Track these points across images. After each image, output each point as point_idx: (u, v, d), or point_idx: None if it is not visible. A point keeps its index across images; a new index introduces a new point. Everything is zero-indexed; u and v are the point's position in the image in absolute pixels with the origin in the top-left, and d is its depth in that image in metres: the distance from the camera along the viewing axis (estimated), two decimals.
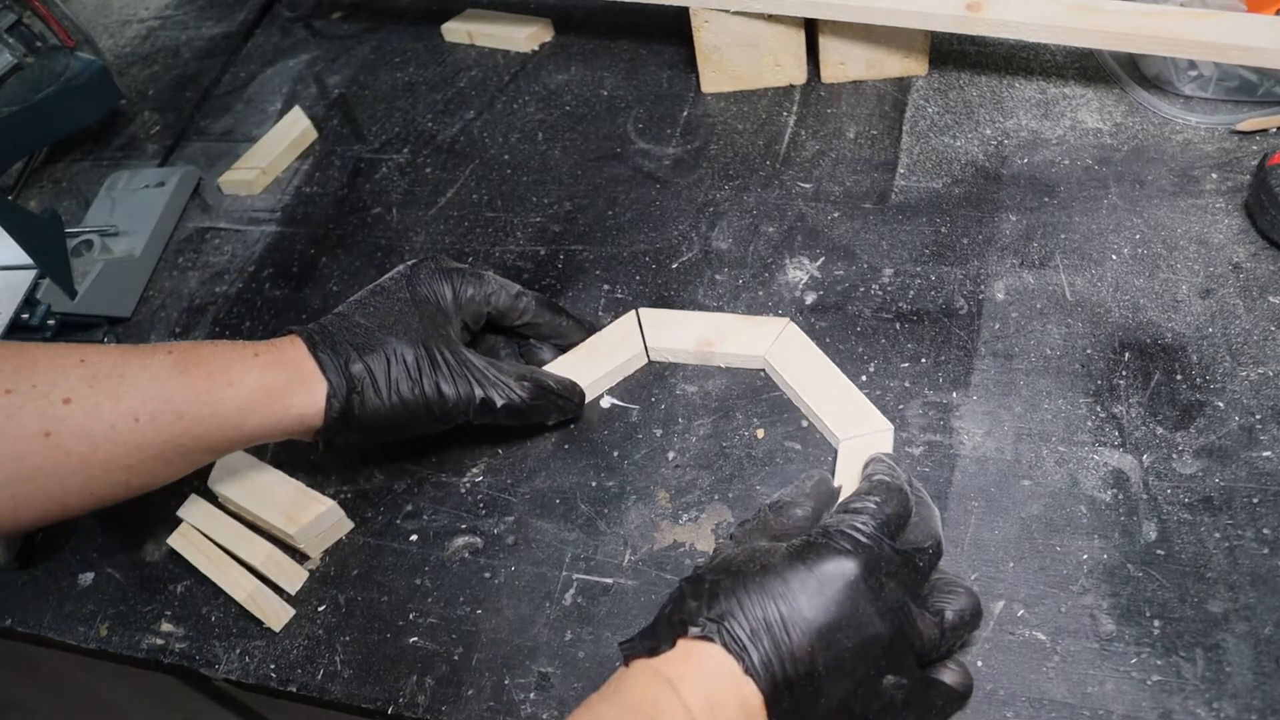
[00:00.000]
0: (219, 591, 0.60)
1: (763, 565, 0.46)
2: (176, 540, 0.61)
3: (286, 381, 0.56)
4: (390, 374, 0.57)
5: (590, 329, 0.66)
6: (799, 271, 0.69)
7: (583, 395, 0.63)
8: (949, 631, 0.47)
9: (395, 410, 0.57)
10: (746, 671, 0.43)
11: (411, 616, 0.57)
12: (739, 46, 0.79)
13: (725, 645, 0.43)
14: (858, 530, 0.46)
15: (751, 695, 0.43)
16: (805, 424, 0.61)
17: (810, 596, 0.44)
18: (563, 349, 0.66)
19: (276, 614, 0.58)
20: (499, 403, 0.59)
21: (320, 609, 0.59)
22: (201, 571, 0.60)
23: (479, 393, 0.58)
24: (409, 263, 0.63)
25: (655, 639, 0.45)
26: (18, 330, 0.69)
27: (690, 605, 0.45)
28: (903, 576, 0.46)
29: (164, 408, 0.52)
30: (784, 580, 0.45)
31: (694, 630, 0.44)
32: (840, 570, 0.45)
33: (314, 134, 0.89)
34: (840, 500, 0.51)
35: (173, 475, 0.55)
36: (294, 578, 0.60)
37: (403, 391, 0.57)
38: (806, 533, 0.47)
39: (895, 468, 0.52)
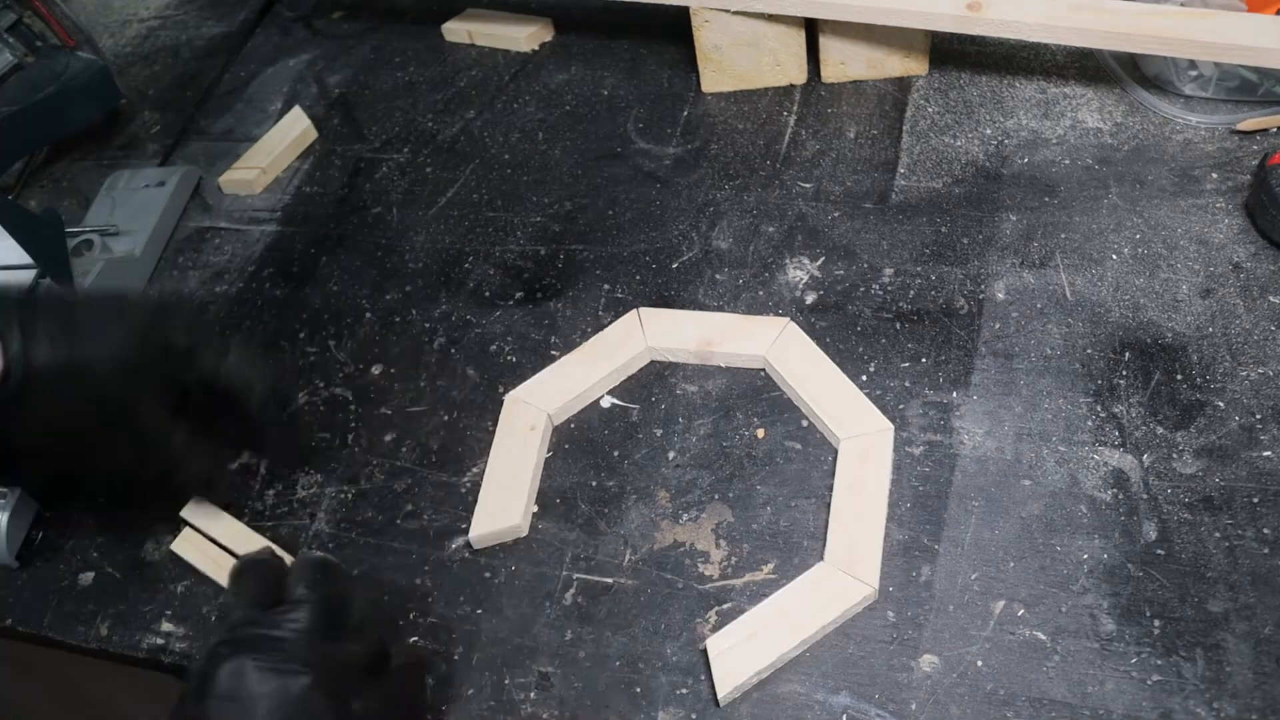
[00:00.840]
0: (220, 591, 0.60)
1: None
2: (180, 545, 0.61)
3: None
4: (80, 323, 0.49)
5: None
6: (799, 271, 0.69)
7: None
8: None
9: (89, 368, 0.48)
10: None
11: (412, 616, 0.57)
12: (739, 46, 0.79)
13: None
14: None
15: None
16: (805, 424, 0.61)
17: None
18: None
19: None
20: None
21: None
22: (206, 574, 0.59)
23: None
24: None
25: None
26: None
27: None
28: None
29: None
30: None
31: None
32: None
33: (314, 134, 0.89)
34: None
35: None
36: None
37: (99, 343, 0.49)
38: None
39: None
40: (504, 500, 0.60)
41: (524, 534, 0.59)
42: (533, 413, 0.63)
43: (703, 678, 0.52)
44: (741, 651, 0.51)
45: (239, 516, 0.64)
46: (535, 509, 0.61)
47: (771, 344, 0.63)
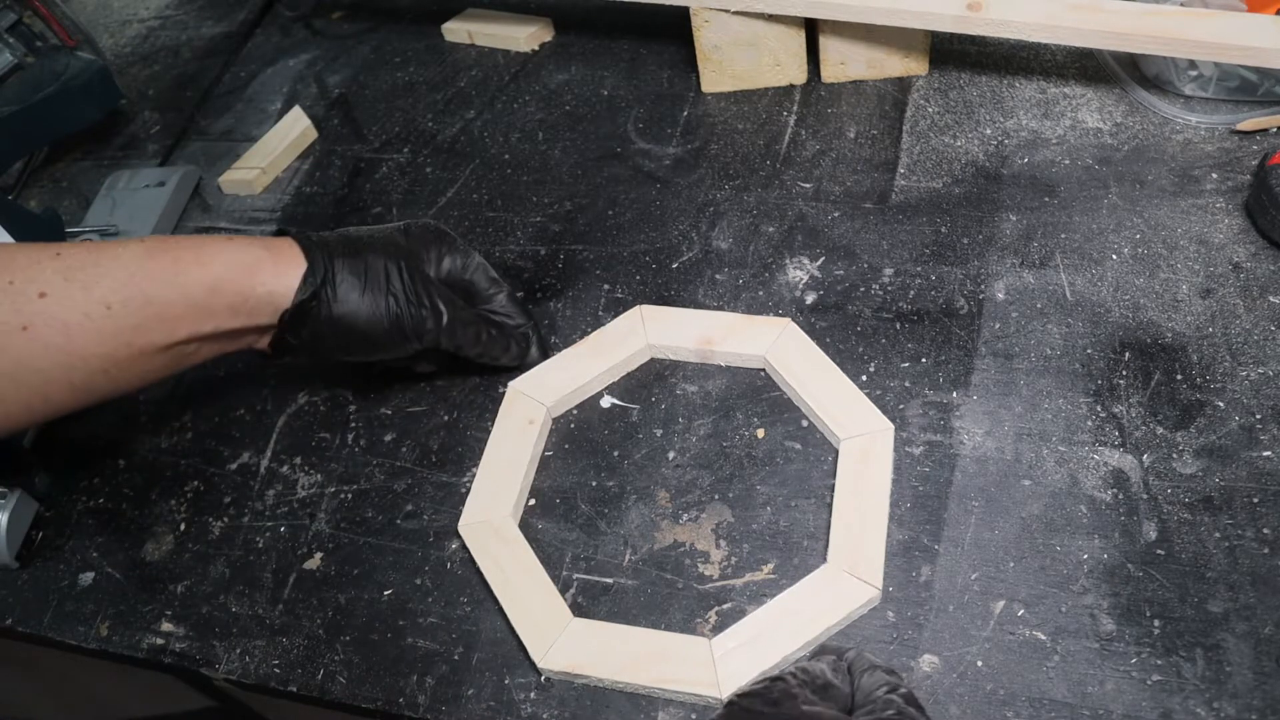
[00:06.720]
0: (219, 591, 0.60)
1: None
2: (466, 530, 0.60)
3: (259, 259, 0.57)
4: (368, 276, 0.59)
5: (542, 350, 0.68)
6: (799, 271, 0.69)
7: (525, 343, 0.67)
8: None
9: (365, 312, 0.59)
10: None
11: (412, 616, 0.58)
12: (739, 46, 0.79)
13: None
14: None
15: None
16: (805, 424, 0.61)
17: None
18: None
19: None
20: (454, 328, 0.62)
21: (320, 609, 0.59)
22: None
23: (447, 315, 0.61)
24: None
25: None
26: None
27: None
28: None
29: (134, 293, 0.54)
30: None
31: None
32: None
33: (314, 134, 0.89)
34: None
35: (153, 370, 0.56)
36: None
37: (376, 295, 0.59)
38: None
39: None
40: (495, 493, 0.60)
41: (514, 527, 0.59)
42: (532, 406, 0.63)
43: None
44: (747, 652, 0.51)
45: (239, 516, 0.64)
46: (531, 502, 0.61)
47: (772, 344, 0.63)
